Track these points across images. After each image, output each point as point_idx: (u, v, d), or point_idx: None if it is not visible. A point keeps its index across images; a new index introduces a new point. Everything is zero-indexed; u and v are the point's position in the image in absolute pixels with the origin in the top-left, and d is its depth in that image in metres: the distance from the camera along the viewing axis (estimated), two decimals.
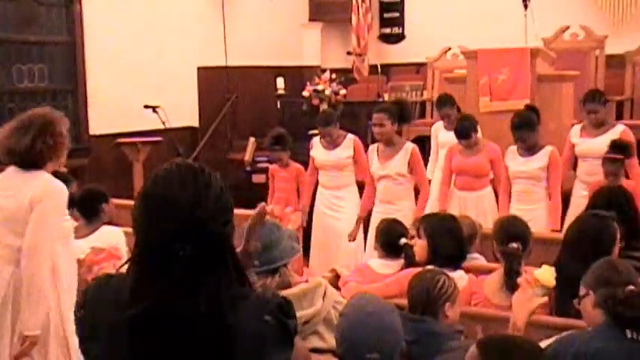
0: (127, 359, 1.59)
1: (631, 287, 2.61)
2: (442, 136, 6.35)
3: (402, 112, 5.69)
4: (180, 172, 1.60)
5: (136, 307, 1.55)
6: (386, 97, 9.98)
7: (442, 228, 3.81)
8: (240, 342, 1.59)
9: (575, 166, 6.07)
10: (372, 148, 5.76)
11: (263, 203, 2.45)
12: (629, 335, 2.39)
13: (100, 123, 8.69)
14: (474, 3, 10.13)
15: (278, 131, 6.66)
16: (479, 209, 5.77)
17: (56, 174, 5.05)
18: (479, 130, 5.93)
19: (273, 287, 2.93)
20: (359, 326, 2.40)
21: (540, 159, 5.53)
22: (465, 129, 5.73)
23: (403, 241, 4.00)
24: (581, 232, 3.45)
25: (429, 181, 6.57)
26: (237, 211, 5.80)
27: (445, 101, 6.49)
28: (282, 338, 1.67)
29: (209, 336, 1.56)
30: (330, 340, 2.81)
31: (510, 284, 3.54)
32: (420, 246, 3.85)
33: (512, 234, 3.65)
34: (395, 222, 4.25)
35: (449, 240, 3.75)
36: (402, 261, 3.99)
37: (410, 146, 5.60)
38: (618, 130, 5.79)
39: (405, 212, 5.49)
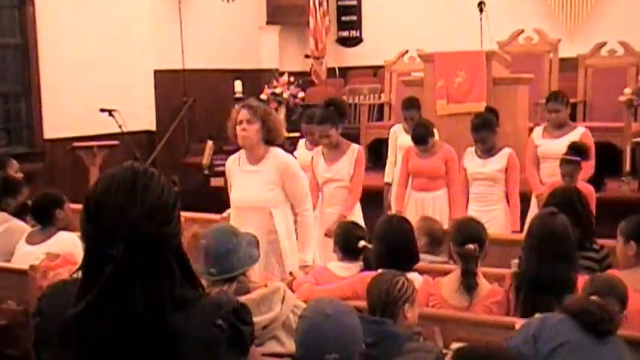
0: (74, 358, 1.58)
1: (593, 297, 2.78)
2: (402, 139, 6.37)
3: (339, 112, 5.66)
4: (120, 175, 1.62)
5: (77, 306, 1.57)
6: (344, 99, 10.02)
7: (393, 230, 3.82)
8: (187, 345, 1.58)
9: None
10: (317, 150, 5.65)
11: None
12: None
13: (54, 127, 8.56)
14: (431, 7, 10.23)
15: None
16: (435, 210, 5.81)
17: (6, 180, 5.06)
18: (435, 134, 5.98)
19: (231, 293, 2.92)
20: (318, 328, 2.40)
21: (499, 161, 5.60)
22: (421, 135, 5.78)
23: (362, 243, 4.00)
24: (542, 231, 3.48)
25: (389, 184, 6.60)
26: (194, 214, 5.73)
27: (412, 104, 6.51)
28: (234, 344, 1.66)
29: (149, 337, 1.55)
30: (289, 345, 2.80)
31: (467, 285, 3.57)
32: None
33: (468, 235, 3.67)
34: (353, 224, 4.26)
35: (399, 242, 3.76)
36: (361, 263, 3.99)
37: (356, 148, 5.54)
38: (579, 132, 5.86)
39: (353, 213, 5.47)
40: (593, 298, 2.76)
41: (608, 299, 2.80)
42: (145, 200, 1.59)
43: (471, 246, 3.59)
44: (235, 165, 4.53)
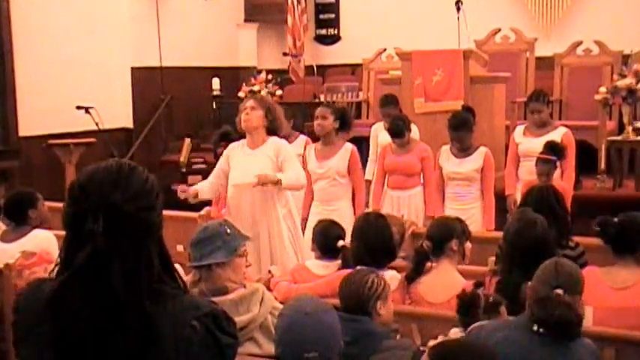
0: (51, 343, 1.57)
1: (559, 291, 2.67)
2: (383, 136, 6.39)
3: (344, 117, 5.74)
4: (105, 165, 1.65)
5: (55, 284, 1.57)
6: (322, 97, 10.03)
7: (370, 227, 3.83)
8: (160, 339, 1.55)
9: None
10: (310, 147, 5.76)
11: None
12: (534, 328, 2.53)
13: (30, 124, 8.48)
14: (409, 5, 10.26)
15: (224, 128, 6.59)
16: (411, 208, 5.83)
17: None
18: (412, 129, 6.00)
19: (208, 286, 2.92)
20: (297, 326, 2.40)
21: (475, 160, 5.63)
22: (398, 128, 5.80)
23: (341, 243, 4.00)
24: (522, 239, 3.45)
25: (370, 181, 6.62)
26: (172, 212, 5.74)
27: (389, 101, 6.53)
28: (209, 349, 1.60)
29: (124, 317, 1.54)
30: (267, 347, 2.80)
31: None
32: None
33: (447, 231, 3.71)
34: (332, 223, 4.25)
35: (377, 239, 3.77)
36: (339, 262, 4.00)
37: (350, 146, 5.64)
38: (561, 132, 5.88)
39: (342, 212, 5.49)
40: (559, 292, 2.64)
41: (574, 295, 2.70)
42: (129, 185, 1.60)
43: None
44: (237, 149, 4.88)
